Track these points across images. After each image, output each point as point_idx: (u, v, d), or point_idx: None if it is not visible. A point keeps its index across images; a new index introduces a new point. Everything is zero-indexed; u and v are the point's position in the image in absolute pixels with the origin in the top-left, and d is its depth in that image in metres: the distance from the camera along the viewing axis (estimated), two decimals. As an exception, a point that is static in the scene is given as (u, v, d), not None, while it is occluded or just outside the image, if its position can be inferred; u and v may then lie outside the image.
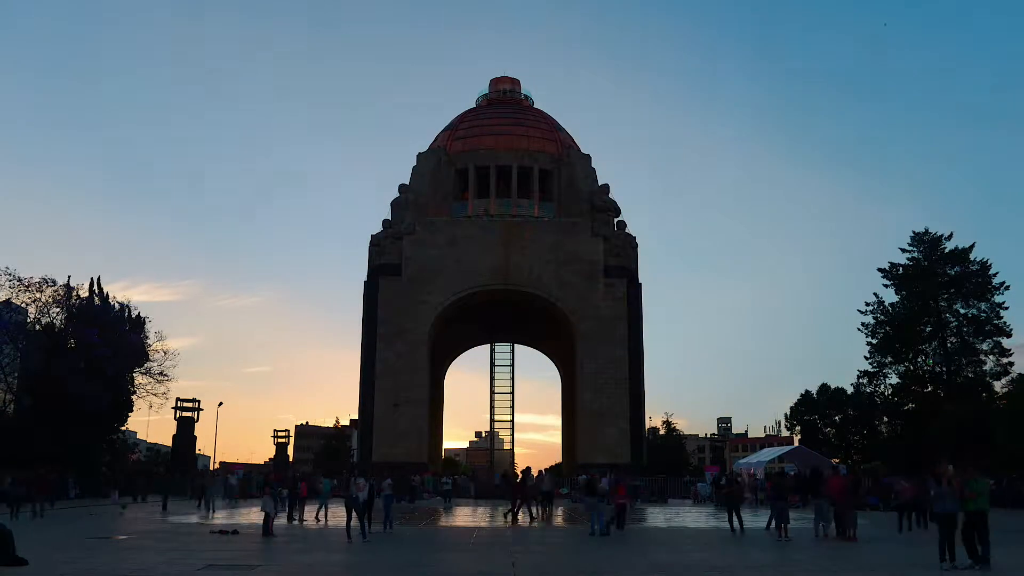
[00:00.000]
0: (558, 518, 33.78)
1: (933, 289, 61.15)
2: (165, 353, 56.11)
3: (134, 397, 56.76)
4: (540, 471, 40.74)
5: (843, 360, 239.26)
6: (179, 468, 63.55)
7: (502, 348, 74.74)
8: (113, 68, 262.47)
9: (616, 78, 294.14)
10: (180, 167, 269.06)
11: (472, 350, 77.42)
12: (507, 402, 73.79)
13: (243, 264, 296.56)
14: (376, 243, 63.55)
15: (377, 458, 56.78)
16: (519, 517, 30.34)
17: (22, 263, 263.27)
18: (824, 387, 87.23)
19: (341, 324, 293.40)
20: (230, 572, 16.09)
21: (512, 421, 74.30)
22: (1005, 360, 60.00)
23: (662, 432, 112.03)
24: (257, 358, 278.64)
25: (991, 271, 61.07)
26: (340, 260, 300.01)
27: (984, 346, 60.58)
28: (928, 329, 61.90)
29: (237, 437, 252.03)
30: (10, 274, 49.89)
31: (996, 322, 60.22)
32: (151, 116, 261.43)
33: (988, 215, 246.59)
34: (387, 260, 62.14)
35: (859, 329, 64.59)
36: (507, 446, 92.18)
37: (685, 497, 56.70)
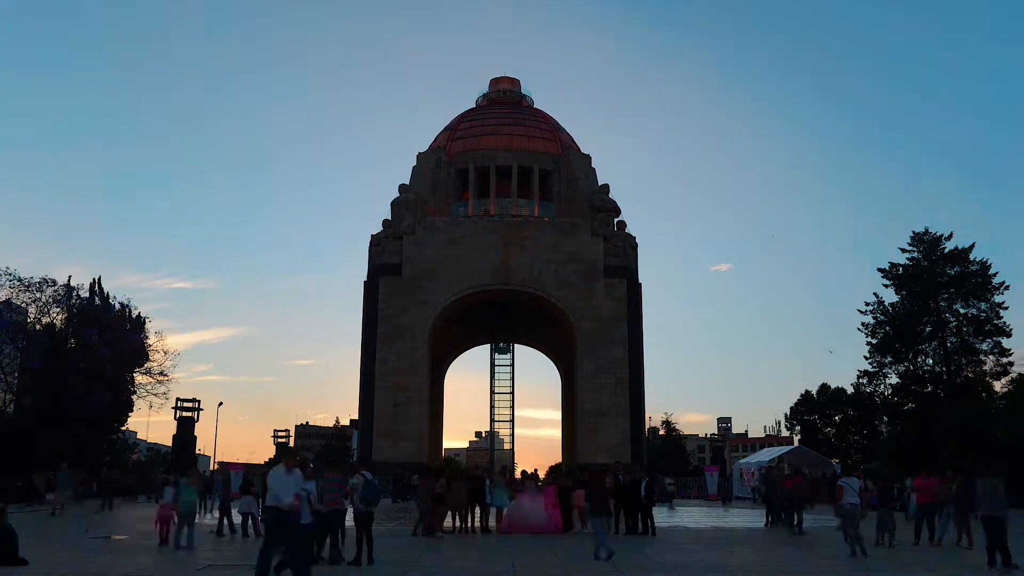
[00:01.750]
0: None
1: (933, 289, 61.15)
2: (165, 353, 56.22)
3: (134, 397, 56.84)
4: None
5: (843, 360, 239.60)
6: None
7: (502, 348, 74.77)
8: (116, 68, 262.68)
9: (616, 78, 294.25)
10: (178, 165, 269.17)
11: (472, 350, 77.40)
12: (507, 402, 73.87)
13: (243, 262, 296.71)
14: (376, 243, 63.54)
15: (377, 458, 56.76)
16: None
17: (37, 260, 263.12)
18: (824, 387, 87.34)
19: (341, 324, 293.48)
20: (230, 572, 16.11)
21: (512, 421, 74.40)
22: (1005, 360, 60.00)
23: (662, 432, 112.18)
24: (256, 356, 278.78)
25: (991, 271, 61.09)
26: (340, 260, 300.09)
27: (984, 346, 60.58)
28: (928, 329, 61.91)
29: (238, 437, 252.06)
30: (10, 274, 49.99)
31: (996, 322, 60.22)
32: (153, 115, 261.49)
33: (988, 215, 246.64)
34: (387, 260, 62.11)
35: (859, 329, 64.63)
36: (507, 446, 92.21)
37: (684, 497, 56.83)
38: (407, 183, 66.13)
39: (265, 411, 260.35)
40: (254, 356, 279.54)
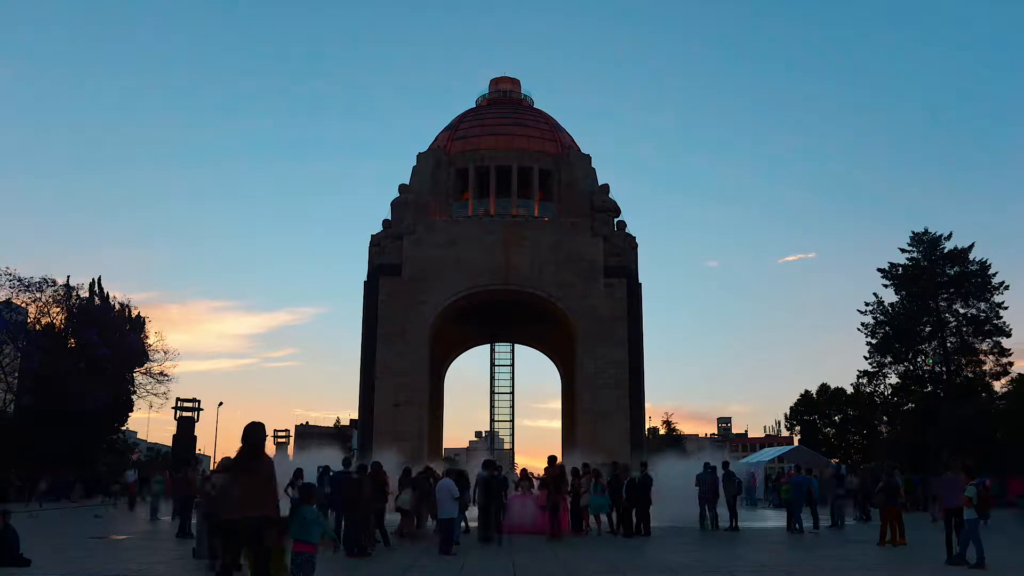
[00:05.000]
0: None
1: (933, 289, 61.16)
2: (165, 353, 56.25)
3: (134, 397, 56.88)
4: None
5: (843, 360, 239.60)
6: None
7: (502, 348, 74.73)
8: (112, 67, 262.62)
9: (616, 78, 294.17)
10: (177, 165, 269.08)
11: (472, 350, 77.40)
12: (507, 402, 73.83)
13: (242, 261, 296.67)
14: (376, 243, 63.49)
15: (377, 458, 56.79)
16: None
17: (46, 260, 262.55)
18: (824, 387, 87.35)
19: (341, 324, 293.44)
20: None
21: (512, 421, 74.37)
22: (1005, 360, 59.99)
23: (662, 432, 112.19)
24: (256, 355, 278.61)
25: (991, 271, 61.10)
26: (340, 260, 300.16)
27: (984, 346, 60.58)
28: (928, 329, 61.93)
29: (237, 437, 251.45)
30: (10, 274, 50.03)
31: (996, 322, 60.21)
32: (153, 115, 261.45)
33: (988, 215, 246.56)
34: (387, 260, 62.06)
35: (859, 329, 64.65)
36: (507, 446, 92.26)
37: None
38: (407, 183, 66.13)
39: (265, 411, 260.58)
40: (255, 356, 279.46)
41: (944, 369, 61.09)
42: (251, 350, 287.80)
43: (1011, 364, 59.82)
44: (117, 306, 56.50)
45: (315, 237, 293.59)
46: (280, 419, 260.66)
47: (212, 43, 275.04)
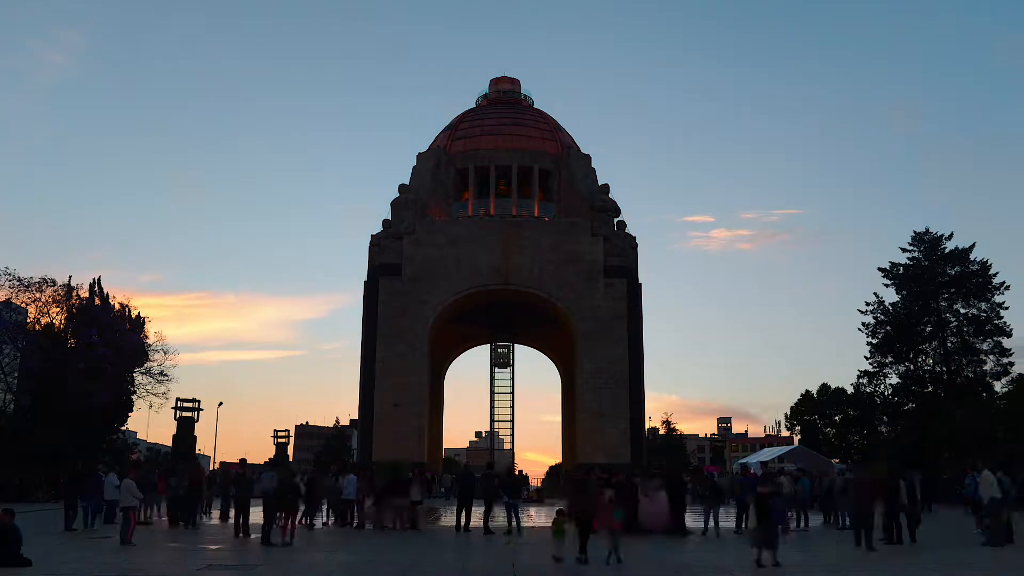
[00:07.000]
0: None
1: (933, 289, 61.12)
2: (165, 353, 56.12)
3: (134, 397, 56.76)
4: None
5: (843, 360, 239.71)
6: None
7: (502, 348, 74.78)
8: (117, 67, 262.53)
9: (616, 78, 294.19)
10: (178, 164, 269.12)
11: (472, 350, 77.43)
12: (507, 402, 73.89)
13: (241, 262, 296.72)
14: (376, 243, 63.48)
15: (377, 458, 56.75)
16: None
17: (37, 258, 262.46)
18: (824, 387, 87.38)
19: (341, 324, 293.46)
20: (230, 572, 16.12)
21: (512, 421, 74.44)
22: (1005, 360, 59.95)
23: (662, 432, 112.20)
24: (256, 356, 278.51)
25: (991, 271, 61.07)
26: (340, 260, 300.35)
27: (984, 346, 60.54)
28: (928, 329, 61.87)
29: (238, 437, 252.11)
30: (10, 274, 49.99)
31: (996, 322, 60.19)
32: (152, 115, 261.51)
33: (989, 215, 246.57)
34: (387, 260, 62.06)
35: (859, 329, 64.60)
36: (507, 446, 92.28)
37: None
38: (407, 183, 66.11)
39: (265, 411, 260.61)
40: (253, 356, 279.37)
41: (944, 369, 61.04)
42: (302, 341, 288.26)
43: (1011, 364, 59.81)
44: (117, 306, 56.39)
45: (346, 229, 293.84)
46: (310, 415, 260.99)
47: (208, 39, 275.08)
